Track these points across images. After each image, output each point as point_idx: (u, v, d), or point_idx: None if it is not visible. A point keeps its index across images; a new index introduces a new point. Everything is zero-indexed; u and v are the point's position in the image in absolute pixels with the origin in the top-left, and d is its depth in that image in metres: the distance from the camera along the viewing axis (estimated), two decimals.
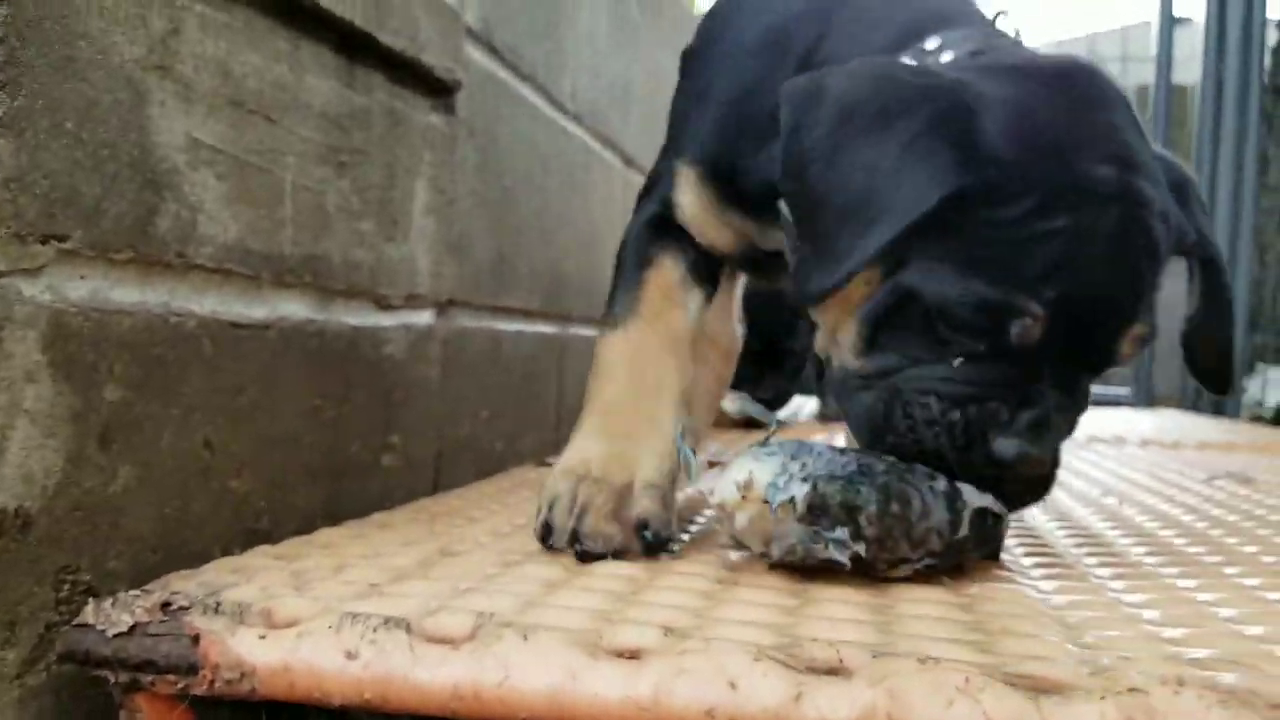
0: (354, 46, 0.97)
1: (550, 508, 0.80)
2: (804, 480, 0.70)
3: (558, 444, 1.60)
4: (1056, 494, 1.30)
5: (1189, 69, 4.01)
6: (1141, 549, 0.95)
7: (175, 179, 0.75)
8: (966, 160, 0.70)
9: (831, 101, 0.73)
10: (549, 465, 1.41)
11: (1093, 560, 0.89)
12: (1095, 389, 2.75)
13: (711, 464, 1.18)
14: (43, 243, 0.64)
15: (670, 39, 2.31)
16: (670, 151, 0.99)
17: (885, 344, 0.75)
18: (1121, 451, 2.01)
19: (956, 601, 0.72)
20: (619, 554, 0.77)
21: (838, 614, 0.66)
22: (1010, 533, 0.84)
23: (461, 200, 1.22)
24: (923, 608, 0.69)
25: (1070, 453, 1.94)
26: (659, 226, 0.95)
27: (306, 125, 0.90)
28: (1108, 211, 0.71)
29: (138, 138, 0.71)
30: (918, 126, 0.71)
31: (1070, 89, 0.75)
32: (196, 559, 0.79)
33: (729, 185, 0.92)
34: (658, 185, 0.99)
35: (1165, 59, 3.73)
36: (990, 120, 0.72)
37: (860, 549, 0.70)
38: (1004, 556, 0.85)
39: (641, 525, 0.78)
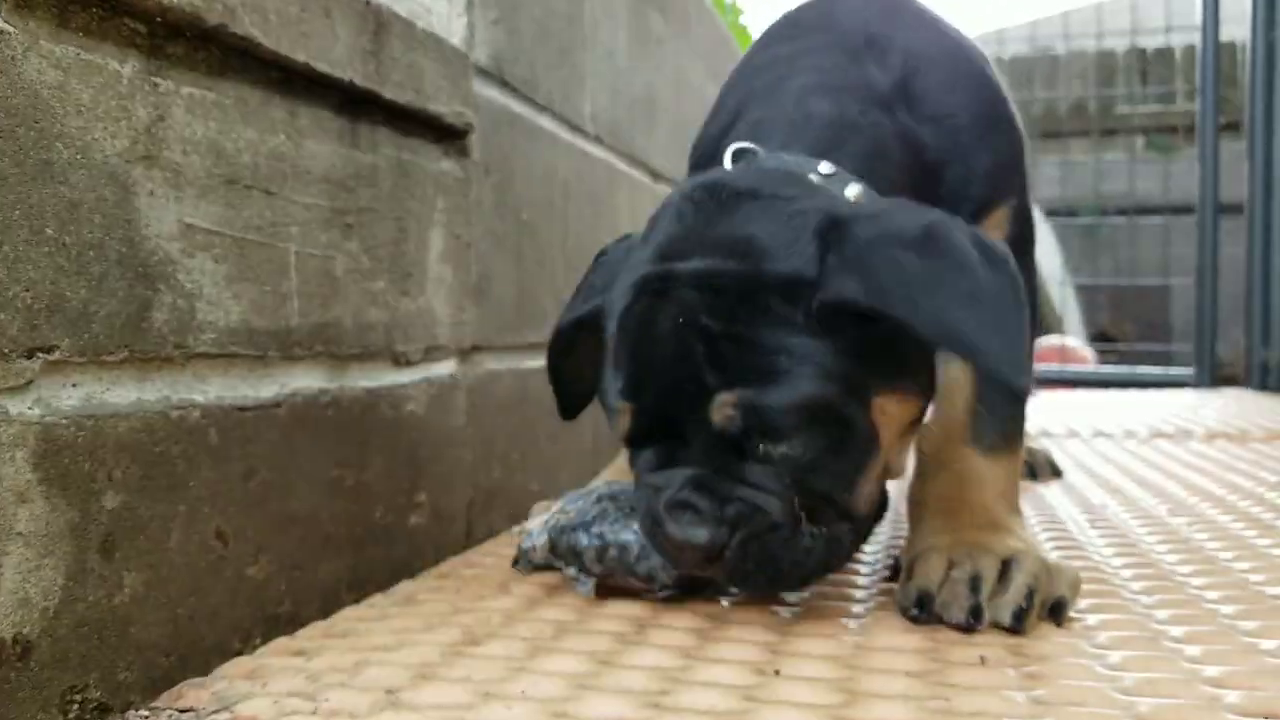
0: (356, 105, 0.94)
1: None
2: (546, 530, 0.91)
3: (597, 472, 1.56)
4: (1122, 515, 1.24)
5: (1240, 26, 3.85)
6: (1208, 589, 0.89)
7: (169, 269, 0.72)
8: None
9: None
10: None
11: (1148, 599, 0.83)
12: (1156, 371, 2.69)
13: None
14: (28, 357, 0.62)
15: (700, 49, 2.26)
16: None
17: None
18: (1186, 448, 1.93)
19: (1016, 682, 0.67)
20: None
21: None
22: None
23: (479, 242, 1.18)
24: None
25: (1133, 451, 1.87)
26: None
27: (309, 192, 0.87)
28: (643, 296, 0.78)
29: (125, 233, 0.69)
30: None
31: (682, 206, 0.81)
32: (215, 654, 0.76)
33: None
34: None
35: (1212, 17, 3.57)
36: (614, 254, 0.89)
37: (591, 582, 0.87)
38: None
39: None
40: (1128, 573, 0.96)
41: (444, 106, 1.06)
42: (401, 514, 1.02)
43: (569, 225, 1.47)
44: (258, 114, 0.81)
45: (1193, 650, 0.73)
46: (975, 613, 0.76)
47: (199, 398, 0.75)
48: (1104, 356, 4.85)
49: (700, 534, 0.72)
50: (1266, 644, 0.74)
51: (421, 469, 1.05)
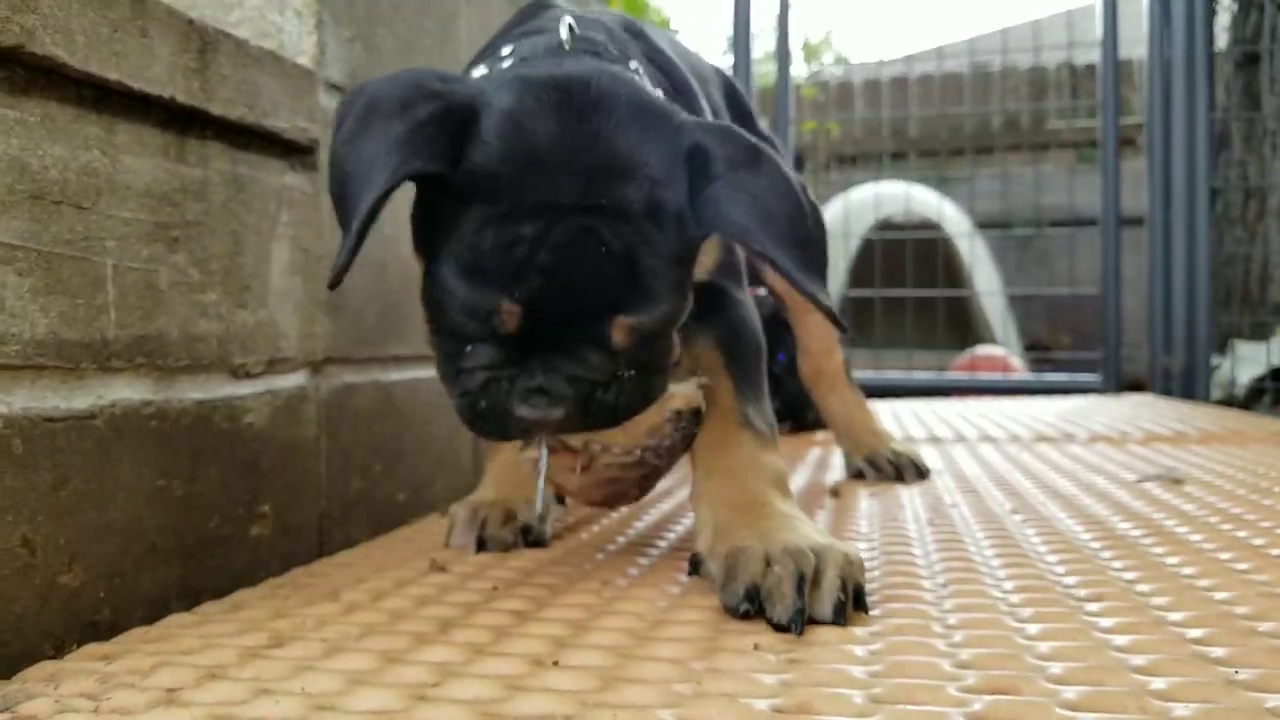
0: (185, 120, 0.96)
1: (453, 525, 1.14)
2: None
3: (474, 485, 1.58)
4: (965, 514, 1.29)
5: (1139, 46, 3.97)
6: (1007, 579, 0.94)
7: None
8: (446, 155, 0.79)
9: (365, 99, 0.83)
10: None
11: (944, 590, 0.87)
12: (1063, 377, 2.80)
13: None
14: None
15: None
16: None
17: (439, 329, 0.88)
18: (1063, 451, 2.00)
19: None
20: (508, 548, 1.11)
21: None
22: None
23: (333, 255, 1.20)
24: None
25: (1010, 455, 1.93)
26: None
27: (127, 206, 0.89)
28: (565, 222, 0.79)
29: None
30: (419, 118, 0.79)
31: (566, 101, 0.82)
32: (23, 660, 0.78)
33: None
34: None
35: (1110, 37, 3.68)
36: (486, 128, 0.81)
37: None
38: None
39: (525, 529, 1.12)
40: (939, 566, 1.00)
41: (284, 122, 1.08)
42: (240, 525, 1.03)
43: None
44: (67, 131, 0.83)
45: (959, 636, 0.77)
46: (799, 614, 0.77)
47: (1, 409, 0.77)
48: (1035, 366, 4.95)
49: (556, 413, 0.83)
50: (1032, 629, 0.78)
51: (264, 480, 1.07)
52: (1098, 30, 3.75)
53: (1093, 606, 0.85)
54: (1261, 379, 3.41)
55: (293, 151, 1.12)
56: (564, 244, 0.78)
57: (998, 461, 1.83)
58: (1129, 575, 0.96)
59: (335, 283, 0.83)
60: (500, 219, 0.79)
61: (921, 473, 1.60)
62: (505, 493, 1.16)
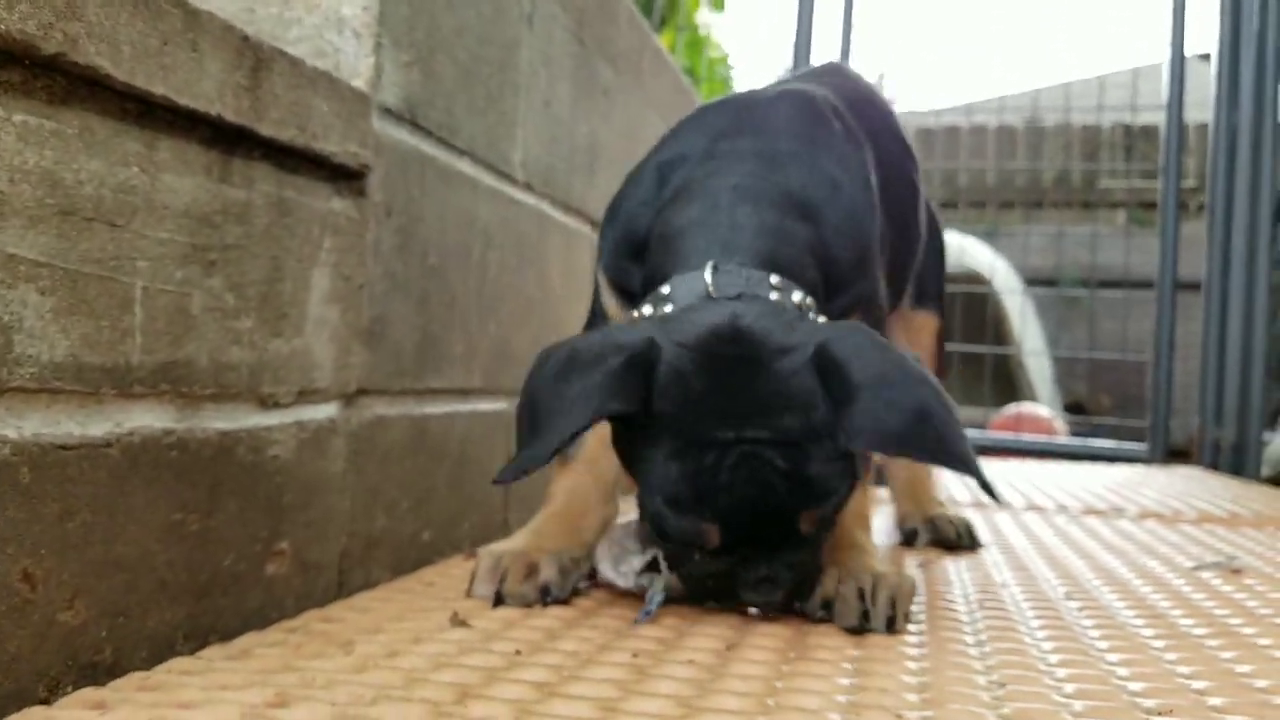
0: (232, 140, 0.92)
1: (475, 574, 1.10)
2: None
3: (507, 525, 1.53)
4: (1017, 596, 1.22)
5: (1196, 110, 3.87)
6: (1067, 681, 0.86)
7: None
8: (637, 397, 0.96)
9: (568, 351, 1.02)
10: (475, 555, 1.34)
11: (1000, 690, 0.80)
12: (1111, 444, 2.82)
13: None
14: None
15: (654, 100, 2.26)
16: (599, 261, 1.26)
17: (658, 533, 1.03)
18: (1113, 526, 1.91)
19: None
20: (529, 605, 1.06)
21: None
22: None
23: (375, 284, 1.16)
24: None
25: (1059, 527, 1.85)
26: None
27: (163, 226, 0.85)
28: (733, 451, 0.96)
29: None
30: (612, 367, 0.97)
31: (712, 360, 0.97)
32: (13, 702, 0.73)
33: (626, 293, 1.19)
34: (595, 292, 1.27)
35: (1176, 102, 3.59)
36: (661, 379, 0.98)
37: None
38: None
39: (544, 589, 1.07)
40: (994, 660, 0.93)
41: (335, 145, 1.04)
42: (256, 562, 0.98)
43: (488, 271, 1.46)
44: (106, 145, 0.79)
45: None
46: (864, 617, 1.01)
47: (11, 433, 0.72)
48: (1076, 428, 4.81)
49: (777, 596, 1.01)
50: None
51: (284, 515, 1.02)
52: (1162, 93, 3.66)
53: None
54: None
55: (341, 176, 1.08)
56: (735, 466, 0.95)
57: (1046, 535, 1.75)
58: (1198, 685, 0.88)
59: (507, 480, 1.00)
60: (681, 452, 0.96)
61: (974, 543, 1.53)
62: (539, 543, 1.10)
